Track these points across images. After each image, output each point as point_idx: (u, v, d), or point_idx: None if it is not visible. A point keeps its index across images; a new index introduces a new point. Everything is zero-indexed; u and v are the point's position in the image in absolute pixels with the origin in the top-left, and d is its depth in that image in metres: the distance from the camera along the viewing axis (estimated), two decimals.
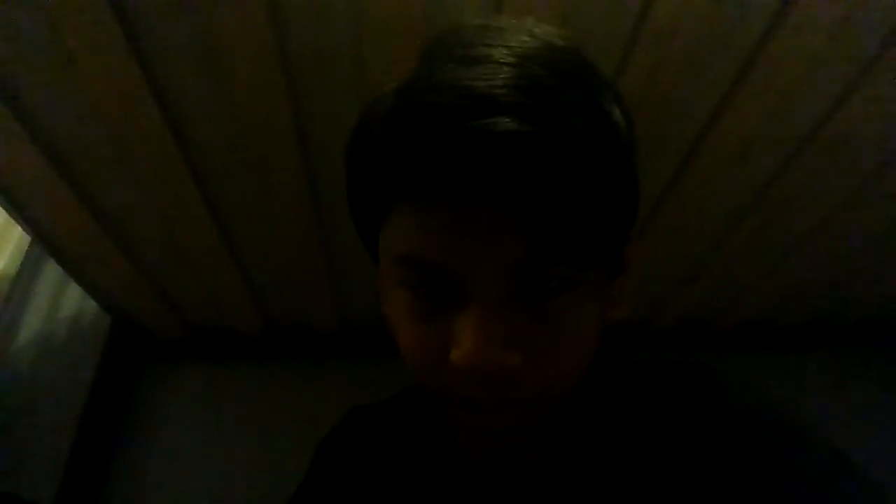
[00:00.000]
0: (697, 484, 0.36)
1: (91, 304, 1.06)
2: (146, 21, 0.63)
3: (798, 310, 1.24)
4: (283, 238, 0.91)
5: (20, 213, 0.82)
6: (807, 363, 1.29)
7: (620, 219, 0.33)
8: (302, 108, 0.73)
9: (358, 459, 0.49)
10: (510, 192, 0.28)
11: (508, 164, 0.27)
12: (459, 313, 0.31)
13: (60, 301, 1.09)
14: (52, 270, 1.11)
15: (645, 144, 0.83)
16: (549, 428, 0.40)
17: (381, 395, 0.54)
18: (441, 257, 0.30)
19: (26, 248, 1.14)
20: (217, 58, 0.66)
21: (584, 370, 0.35)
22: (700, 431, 0.37)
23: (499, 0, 0.64)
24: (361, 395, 0.56)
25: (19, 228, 0.91)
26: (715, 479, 0.35)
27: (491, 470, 0.42)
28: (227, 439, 1.07)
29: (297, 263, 0.96)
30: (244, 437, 1.08)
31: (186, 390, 1.13)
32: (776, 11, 0.68)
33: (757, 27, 0.70)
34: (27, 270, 1.12)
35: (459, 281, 0.31)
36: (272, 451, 1.04)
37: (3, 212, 0.85)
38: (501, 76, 0.28)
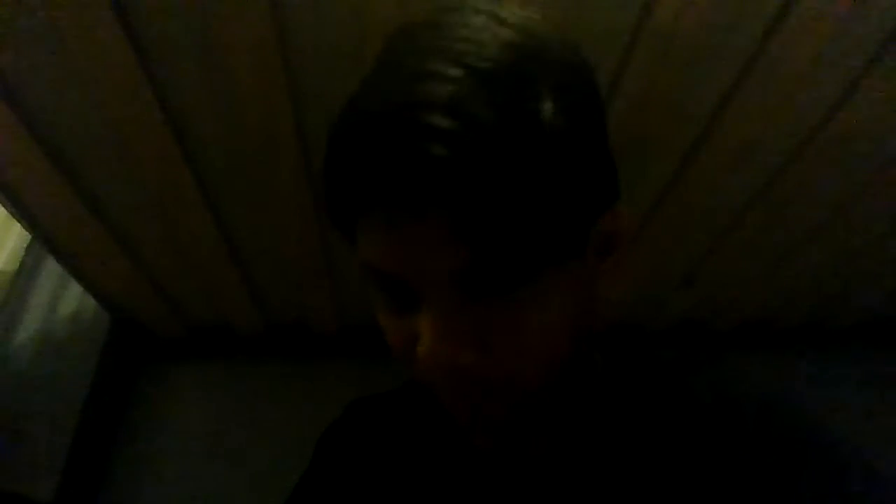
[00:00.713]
0: (708, 475, 0.36)
1: (90, 303, 1.05)
2: (146, 21, 0.63)
3: (797, 310, 1.24)
4: (283, 237, 0.91)
5: (20, 212, 0.82)
6: (805, 364, 1.29)
7: (567, 211, 0.32)
8: (302, 107, 0.73)
9: (360, 451, 0.49)
10: (440, 205, 0.29)
11: (435, 178, 0.28)
12: (421, 312, 0.32)
13: (60, 299, 1.09)
14: (51, 269, 1.11)
15: (645, 144, 0.84)
16: (555, 419, 0.40)
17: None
18: (391, 267, 0.31)
19: (26, 246, 1.14)
20: (217, 57, 0.66)
21: (561, 357, 0.35)
22: (711, 423, 0.38)
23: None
24: (361, 394, 0.56)
25: (19, 226, 0.91)
26: (725, 472, 0.35)
27: (495, 461, 0.42)
28: (227, 438, 1.07)
29: (296, 262, 0.96)
30: (243, 436, 1.08)
31: (186, 389, 1.13)
32: (776, 12, 0.68)
33: (757, 27, 0.70)
34: (27, 269, 1.12)
35: (415, 285, 0.31)
36: (272, 450, 1.04)
37: (3, 210, 0.85)
38: (438, 94, 0.28)
